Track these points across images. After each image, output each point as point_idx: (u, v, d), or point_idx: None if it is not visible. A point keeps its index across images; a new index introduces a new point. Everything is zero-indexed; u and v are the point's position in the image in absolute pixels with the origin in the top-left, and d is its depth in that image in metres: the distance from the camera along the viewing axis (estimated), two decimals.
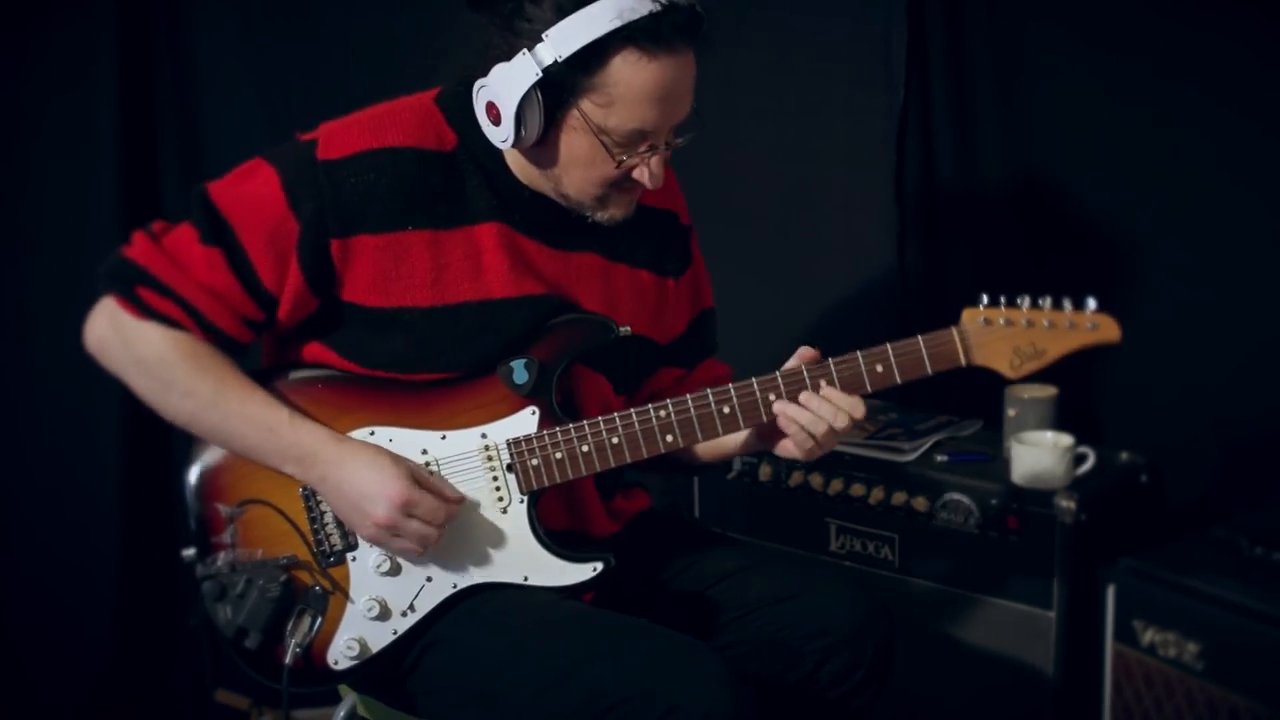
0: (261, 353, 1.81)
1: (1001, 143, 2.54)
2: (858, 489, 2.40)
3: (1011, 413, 2.38)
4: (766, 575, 1.83)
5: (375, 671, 1.74)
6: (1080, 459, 2.29)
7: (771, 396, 1.71)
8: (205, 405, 1.69)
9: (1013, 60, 2.48)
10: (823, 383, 1.70)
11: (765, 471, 2.50)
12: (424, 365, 1.72)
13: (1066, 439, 2.29)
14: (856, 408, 1.70)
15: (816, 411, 1.70)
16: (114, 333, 1.69)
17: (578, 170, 1.69)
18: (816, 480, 2.44)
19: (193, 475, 1.75)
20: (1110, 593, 2.13)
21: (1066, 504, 2.19)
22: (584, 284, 1.80)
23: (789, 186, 2.74)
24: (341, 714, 1.90)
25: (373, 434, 1.72)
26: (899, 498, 2.36)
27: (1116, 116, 2.40)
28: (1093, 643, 2.17)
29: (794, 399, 1.71)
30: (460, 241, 1.72)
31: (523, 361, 1.72)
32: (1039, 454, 2.26)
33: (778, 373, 1.72)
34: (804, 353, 1.73)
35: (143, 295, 1.66)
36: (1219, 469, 2.37)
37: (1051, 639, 2.22)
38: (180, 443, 1.81)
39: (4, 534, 2.82)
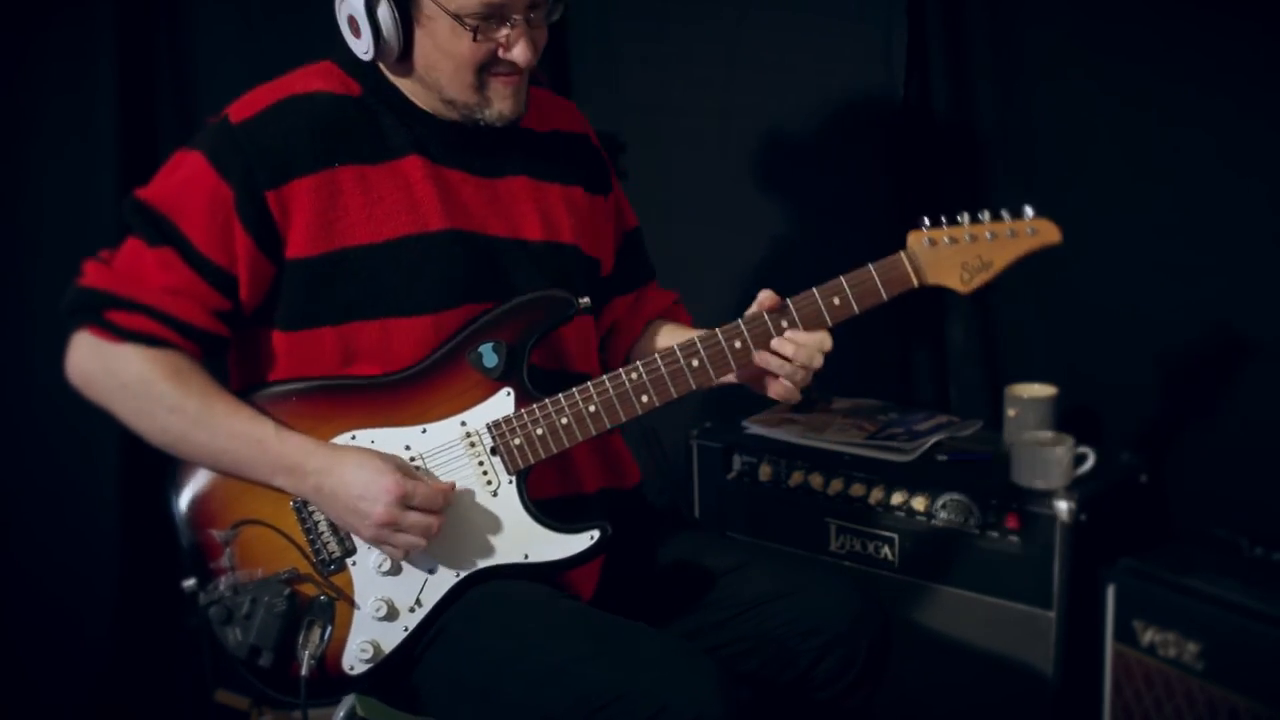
0: (229, 376, 1.81)
1: (1002, 143, 2.54)
2: (858, 489, 2.40)
3: (1011, 413, 2.38)
4: (762, 573, 1.83)
5: (390, 672, 1.74)
6: (1080, 459, 2.29)
7: (737, 344, 1.73)
8: (191, 423, 1.69)
9: (1013, 60, 2.48)
10: (737, 344, 1.73)
11: (765, 471, 2.50)
12: (374, 309, 1.72)
13: (1066, 439, 2.29)
14: (825, 342, 1.74)
15: (792, 357, 1.73)
16: (95, 363, 1.69)
17: (447, 63, 1.71)
18: (816, 480, 2.44)
19: (181, 505, 1.75)
20: (1110, 593, 2.14)
21: (1066, 504, 2.19)
22: (518, 208, 1.82)
23: (789, 186, 2.74)
24: (341, 714, 1.89)
25: (354, 438, 1.72)
26: (899, 498, 2.36)
27: (1116, 116, 2.40)
28: (1093, 643, 2.17)
29: (762, 345, 1.73)
30: (388, 175, 1.74)
31: (490, 345, 1.73)
32: (1039, 454, 2.26)
33: (740, 320, 1.74)
34: (763, 297, 1.74)
35: (113, 319, 1.67)
36: (1219, 469, 2.37)
37: (1051, 639, 2.22)
38: None
39: (4, 535, 2.81)
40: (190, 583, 1.73)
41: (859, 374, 2.63)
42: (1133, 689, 2.12)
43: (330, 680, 1.72)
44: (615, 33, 2.94)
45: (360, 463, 1.67)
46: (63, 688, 2.84)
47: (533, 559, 1.73)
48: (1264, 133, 2.26)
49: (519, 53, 1.70)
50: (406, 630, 1.72)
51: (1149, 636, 2.08)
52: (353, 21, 1.70)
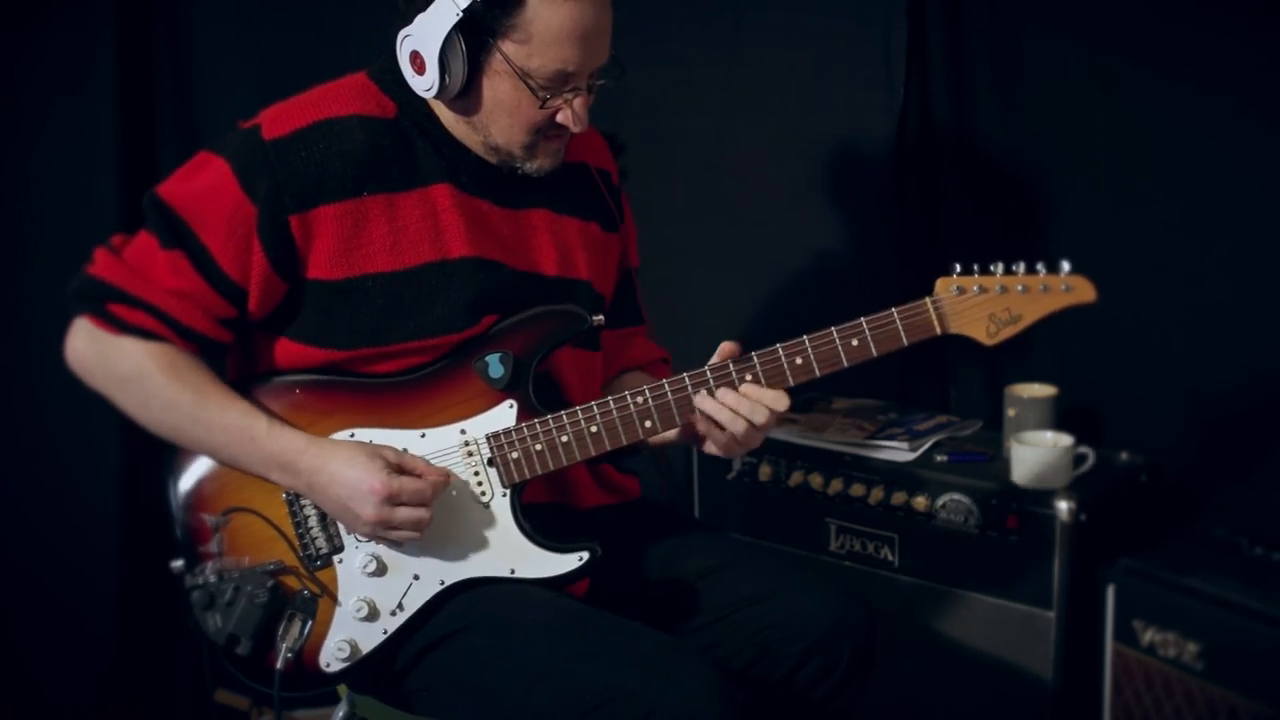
0: (227, 364, 1.80)
1: (1002, 143, 2.54)
2: (858, 489, 2.40)
3: (1011, 413, 2.38)
4: (743, 575, 1.81)
5: (368, 672, 1.74)
6: (1080, 459, 2.29)
7: (749, 377, 1.70)
8: (186, 418, 1.69)
9: (1013, 60, 2.48)
10: (748, 377, 1.69)
11: (765, 471, 2.50)
12: (390, 335, 1.71)
13: (1066, 439, 2.29)
14: (779, 401, 1.69)
15: (735, 408, 1.69)
16: (93, 352, 1.70)
17: (504, 116, 1.70)
18: (816, 480, 2.44)
19: (177, 487, 1.75)
20: (1110, 593, 2.14)
21: (1066, 504, 2.19)
22: (538, 241, 1.82)
23: (789, 186, 2.74)
24: (340, 714, 1.89)
25: (353, 436, 1.72)
26: (899, 498, 2.36)
27: (1116, 116, 2.39)
28: (1093, 643, 2.17)
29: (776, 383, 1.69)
30: (416, 203, 1.73)
31: (497, 356, 1.72)
32: (1039, 454, 2.26)
33: (754, 353, 1.70)
34: (725, 348, 1.71)
35: (115, 311, 1.67)
36: (1219, 469, 2.37)
37: (1051, 639, 2.22)
38: None
39: (4, 535, 2.82)
40: (179, 564, 1.74)
41: (859, 374, 2.63)
42: (1132, 689, 2.12)
43: (306, 675, 1.72)
44: (615, 32, 2.94)
45: (349, 461, 1.67)
46: (63, 688, 2.84)
47: (519, 574, 1.73)
48: (1264, 132, 2.25)
49: (577, 118, 1.71)
50: (386, 633, 1.72)
51: (1149, 636, 2.08)
52: (416, 58, 1.67)
